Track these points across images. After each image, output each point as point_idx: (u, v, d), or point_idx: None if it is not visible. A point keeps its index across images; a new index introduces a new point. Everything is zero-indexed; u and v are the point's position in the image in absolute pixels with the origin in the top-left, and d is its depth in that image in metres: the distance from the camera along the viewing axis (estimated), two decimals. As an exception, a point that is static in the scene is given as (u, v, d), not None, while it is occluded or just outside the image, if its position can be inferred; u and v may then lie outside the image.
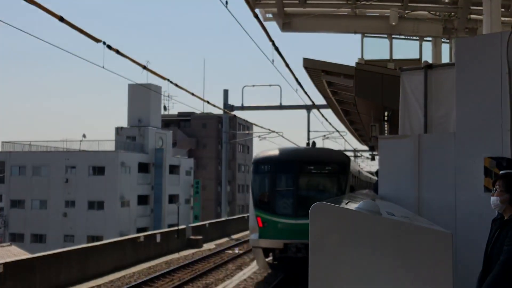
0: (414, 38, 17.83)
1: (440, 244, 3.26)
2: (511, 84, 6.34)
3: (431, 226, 3.63)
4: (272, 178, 17.04)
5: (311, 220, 3.40)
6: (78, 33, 14.02)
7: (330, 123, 51.58)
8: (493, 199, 4.54)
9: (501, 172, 5.84)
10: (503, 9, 12.62)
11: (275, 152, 17.89)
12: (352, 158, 25.26)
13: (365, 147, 47.60)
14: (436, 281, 3.21)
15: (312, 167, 17.37)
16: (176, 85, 21.27)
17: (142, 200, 56.69)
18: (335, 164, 17.28)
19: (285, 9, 16.80)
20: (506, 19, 13.72)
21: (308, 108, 47.64)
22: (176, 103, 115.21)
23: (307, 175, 17.35)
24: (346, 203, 3.76)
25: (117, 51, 15.69)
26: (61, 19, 13.02)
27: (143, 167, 56.92)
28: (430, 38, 17.63)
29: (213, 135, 79.54)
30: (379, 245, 3.30)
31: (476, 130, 6.55)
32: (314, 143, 21.59)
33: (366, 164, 72.34)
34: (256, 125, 39.08)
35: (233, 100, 70.84)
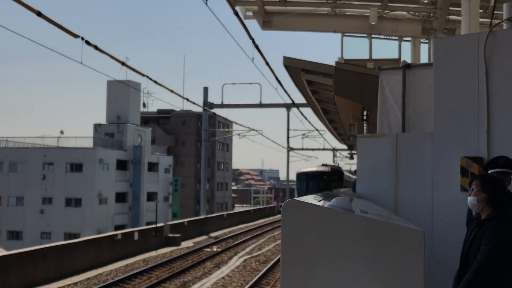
0: (394, 38, 17.92)
1: (412, 242, 3.26)
2: (488, 84, 6.39)
3: (404, 224, 3.63)
4: (306, 181, 31.77)
5: (283, 215, 3.39)
6: (56, 28, 13.87)
7: (309, 122, 51.85)
8: (470, 199, 4.54)
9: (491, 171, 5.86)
10: (481, 10, 12.71)
11: (307, 169, 33.56)
12: (346, 168, 50.18)
13: (344, 146, 47.88)
14: (407, 277, 3.21)
15: (325, 176, 31.05)
16: (155, 82, 21.17)
17: (120, 197, 56.36)
18: (336, 175, 31.73)
19: (266, 7, 16.77)
20: (484, 20, 13.82)
21: (288, 106, 47.86)
22: (156, 100, 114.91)
23: (323, 180, 30.71)
24: (319, 200, 3.74)
25: (96, 47, 15.56)
26: (39, 14, 12.87)
27: (121, 164, 56.59)
28: (409, 38, 17.73)
29: (193, 132, 79.34)
30: (351, 242, 3.29)
31: (453, 130, 6.59)
32: (326, 164, 34.45)
33: (344, 163, 72.90)
34: (235, 123, 39.19)
35: (213, 98, 70.73)
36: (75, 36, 14.60)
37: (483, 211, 4.48)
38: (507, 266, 4.17)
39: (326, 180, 30.61)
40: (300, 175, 33.29)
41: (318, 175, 31.34)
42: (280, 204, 69.49)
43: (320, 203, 3.54)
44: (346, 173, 35.60)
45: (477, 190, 4.50)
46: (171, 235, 30.74)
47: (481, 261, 4.13)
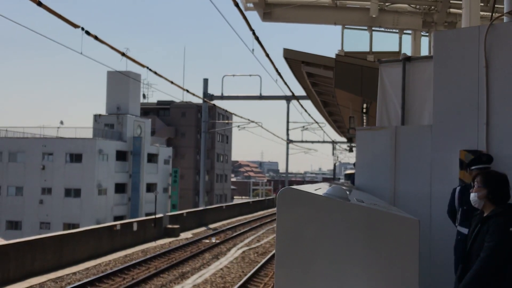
0: (394, 31, 17.86)
1: (406, 231, 3.25)
2: (488, 77, 6.38)
3: (399, 213, 3.62)
4: (349, 178, 38.50)
5: (279, 203, 3.39)
6: (57, 18, 13.83)
7: (309, 114, 51.97)
8: (472, 195, 4.52)
9: (474, 167, 5.86)
10: (482, 4, 12.69)
11: (350, 171, 37.74)
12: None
13: (344, 139, 47.98)
14: (403, 267, 3.20)
15: None
16: (155, 73, 21.13)
17: (120, 188, 56.41)
18: None
19: (266, -2, 16.73)
20: (485, 13, 13.78)
21: (288, 98, 47.87)
22: (156, 92, 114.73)
23: None
24: (316, 190, 3.73)
25: (96, 37, 15.52)
26: (39, 3, 12.82)
27: (121, 155, 56.60)
28: (409, 31, 17.68)
29: (192, 124, 79.26)
30: (345, 231, 3.29)
31: (453, 123, 6.59)
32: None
33: (344, 156, 73.47)
34: (235, 115, 39.07)
35: (213, 90, 70.90)
36: (75, 26, 14.56)
37: (486, 207, 4.42)
38: (510, 264, 4.15)
39: None
40: (345, 175, 46.14)
41: (353, 174, 47.04)
42: (279, 196, 69.49)
43: (316, 192, 3.53)
44: None
45: (478, 186, 4.46)
46: (170, 226, 30.79)
47: (484, 258, 4.10)
